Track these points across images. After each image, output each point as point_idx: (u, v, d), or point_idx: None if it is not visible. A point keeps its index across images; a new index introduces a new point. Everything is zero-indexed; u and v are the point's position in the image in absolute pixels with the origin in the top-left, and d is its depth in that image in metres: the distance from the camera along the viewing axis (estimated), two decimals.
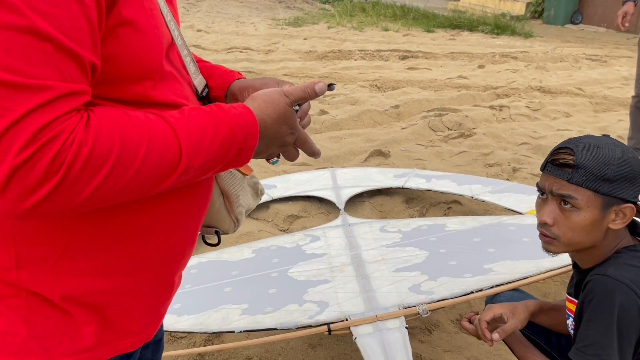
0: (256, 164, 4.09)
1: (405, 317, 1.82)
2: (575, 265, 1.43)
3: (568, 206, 1.26)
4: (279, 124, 0.88)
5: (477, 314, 1.55)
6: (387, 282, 2.04)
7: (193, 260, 2.43)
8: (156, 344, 1.11)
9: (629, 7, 3.94)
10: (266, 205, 3.40)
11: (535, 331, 1.60)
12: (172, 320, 1.95)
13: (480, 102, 6.05)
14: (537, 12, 13.41)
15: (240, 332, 1.85)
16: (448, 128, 5.10)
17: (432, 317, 2.40)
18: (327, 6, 14.76)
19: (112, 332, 0.87)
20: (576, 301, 1.36)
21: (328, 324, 1.82)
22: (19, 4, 0.62)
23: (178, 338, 2.29)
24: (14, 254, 0.79)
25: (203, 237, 1.20)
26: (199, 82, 0.97)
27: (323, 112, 5.49)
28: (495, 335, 1.43)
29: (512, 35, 11.17)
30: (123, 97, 0.78)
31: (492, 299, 1.76)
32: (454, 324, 2.39)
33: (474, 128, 5.11)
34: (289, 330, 1.84)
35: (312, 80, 0.98)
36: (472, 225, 2.50)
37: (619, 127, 5.23)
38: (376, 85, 6.66)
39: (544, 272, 1.99)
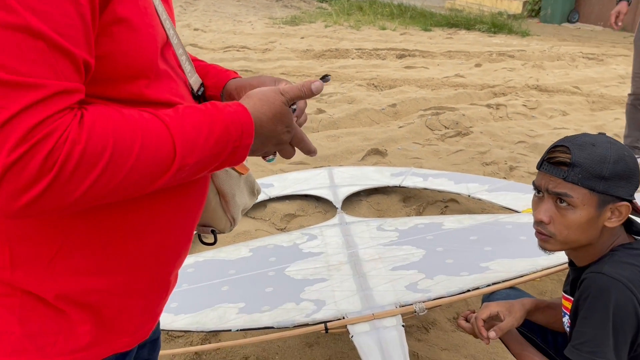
0: (254, 163, 4.08)
1: (402, 315, 1.83)
2: (571, 263, 1.43)
3: (564, 204, 1.26)
4: (274, 122, 0.88)
5: (474, 312, 1.55)
6: (384, 281, 2.04)
7: (190, 259, 2.43)
8: (153, 343, 1.11)
9: (622, 6, 3.95)
10: (263, 204, 3.40)
11: (532, 329, 1.60)
12: (169, 319, 1.95)
13: (477, 101, 6.06)
14: (534, 11, 13.43)
15: (237, 330, 1.85)
16: (445, 127, 5.11)
17: (429, 315, 2.40)
18: (324, 5, 14.75)
19: (107, 331, 0.87)
20: (572, 299, 1.36)
21: (325, 322, 1.82)
22: (12, 2, 0.62)
23: (175, 337, 2.29)
24: (8, 253, 0.79)
25: (199, 236, 1.20)
26: (194, 81, 0.97)
27: (320, 111, 5.49)
28: (492, 334, 1.43)
29: (509, 33, 11.19)
30: (118, 95, 0.78)
31: (488, 297, 1.77)
32: (451, 322, 2.39)
33: (471, 127, 5.11)
34: (285, 328, 1.84)
35: (309, 79, 0.98)
36: (469, 223, 2.51)
37: (615, 125, 5.24)
38: (373, 84, 6.66)
39: (540, 270, 2.00)
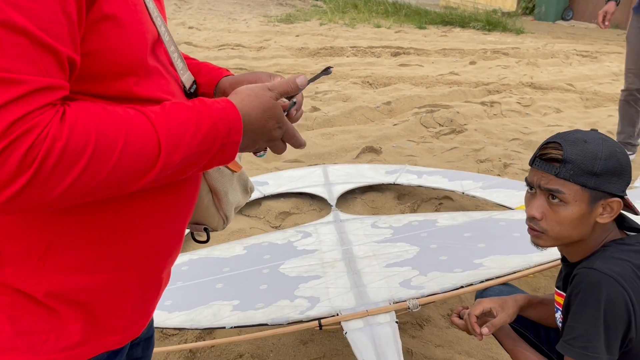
0: (249, 161, 4.08)
1: (396, 311, 1.83)
2: (564, 259, 1.44)
3: (556, 200, 1.27)
4: (264, 118, 0.87)
5: (467, 309, 1.56)
6: (378, 278, 2.04)
7: (184, 257, 2.43)
8: (146, 341, 1.11)
9: (610, 6, 3.97)
10: (258, 202, 3.40)
11: (525, 325, 1.61)
12: (163, 317, 1.95)
13: (471, 98, 6.08)
14: (528, 9, 13.46)
15: (232, 328, 1.85)
16: (439, 124, 5.12)
17: (424, 312, 2.41)
18: (319, 3, 14.74)
19: (98, 329, 0.86)
20: (565, 294, 1.37)
21: (319, 319, 1.82)
22: None
23: (169, 335, 2.29)
24: None
25: (192, 235, 1.20)
26: (186, 78, 0.97)
27: (315, 109, 5.49)
28: (485, 330, 1.44)
29: (503, 31, 11.21)
30: (106, 93, 0.77)
31: (482, 294, 1.77)
32: (445, 319, 2.40)
33: (465, 124, 5.12)
34: (280, 325, 1.84)
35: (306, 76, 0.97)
36: (463, 220, 2.51)
37: (608, 122, 5.27)
38: (368, 82, 6.67)
39: (533, 267, 2.01)
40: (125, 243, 0.85)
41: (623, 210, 1.32)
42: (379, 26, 11.22)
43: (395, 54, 8.42)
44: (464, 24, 11.65)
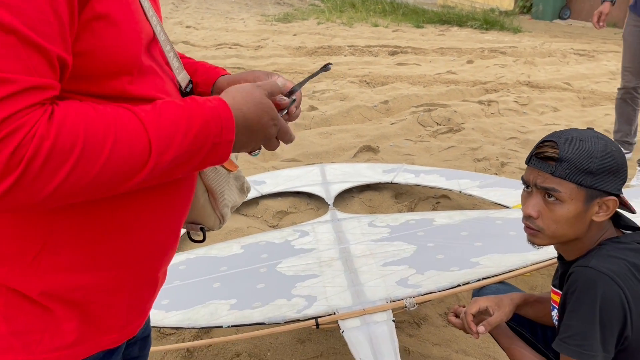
0: (246, 160, 4.08)
1: (393, 310, 1.83)
2: (560, 257, 1.44)
3: (552, 199, 1.27)
4: (258, 113, 0.86)
5: (464, 307, 1.56)
6: (375, 276, 2.05)
7: (181, 256, 2.43)
8: (143, 340, 1.11)
9: (605, 7, 3.98)
10: (255, 201, 3.40)
11: (521, 323, 1.61)
12: (160, 316, 1.95)
13: (468, 97, 6.08)
14: (525, 8, 13.48)
15: (229, 327, 1.85)
16: (437, 123, 5.12)
17: (421, 311, 2.41)
18: (316, 2, 14.74)
19: (94, 328, 0.86)
20: (561, 293, 1.37)
21: (316, 318, 1.82)
22: None
23: (167, 334, 2.29)
24: None
25: (189, 234, 1.20)
26: (182, 77, 0.97)
27: (312, 108, 5.49)
28: (481, 328, 1.44)
29: (500, 30, 11.22)
30: (100, 92, 0.77)
31: (478, 292, 1.77)
32: (442, 317, 2.40)
33: (462, 123, 5.13)
34: (277, 324, 1.84)
35: (302, 76, 0.97)
36: (460, 219, 2.52)
37: (605, 121, 5.27)
38: (365, 81, 6.67)
39: (529, 265, 2.01)
40: (120, 242, 0.84)
41: (619, 208, 1.32)
42: (376, 25, 11.22)
43: (393, 53, 8.42)
44: (462, 23, 11.66)
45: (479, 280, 1.91)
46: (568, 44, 9.66)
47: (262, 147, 0.94)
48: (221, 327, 1.85)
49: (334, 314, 1.83)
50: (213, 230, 1.18)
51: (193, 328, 1.89)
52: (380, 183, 3.45)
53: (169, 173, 0.78)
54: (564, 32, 11.17)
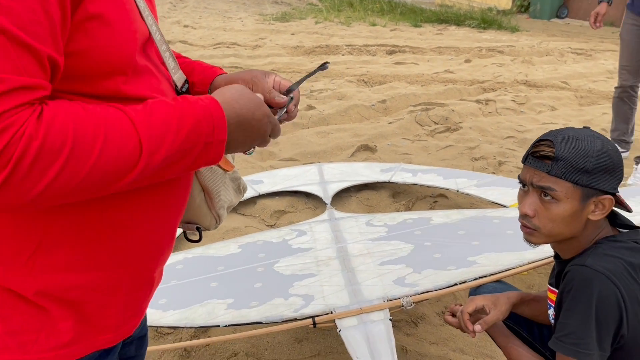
0: (243, 160, 4.08)
1: (390, 309, 1.83)
2: (556, 255, 1.44)
3: (548, 198, 1.27)
4: (252, 110, 0.86)
5: (461, 306, 1.56)
6: (372, 275, 2.05)
7: (179, 256, 2.43)
8: (140, 340, 1.11)
9: (602, 7, 3.98)
10: (253, 200, 3.40)
11: (518, 322, 1.61)
12: (158, 316, 1.95)
13: (466, 97, 6.08)
14: (523, 7, 13.49)
15: (226, 326, 1.85)
16: (435, 122, 5.12)
17: (418, 310, 2.41)
18: (314, 1, 14.73)
19: (89, 327, 0.86)
20: (557, 291, 1.37)
21: (313, 317, 1.82)
22: None
23: (164, 334, 2.29)
24: None
25: (185, 234, 1.20)
26: (178, 77, 0.96)
27: (310, 107, 5.48)
28: (477, 327, 1.44)
29: (498, 29, 11.23)
30: (94, 92, 0.77)
31: (475, 291, 1.78)
32: (439, 316, 2.41)
33: (460, 122, 5.13)
34: (274, 323, 1.84)
35: (300, 75, 0.97)
36: (457, 218, 2.52)
37: (603, 120, 5.28)
38: (363, 80, 6.67)
39: (526, 264, 2.01)
40: (116, 242, 0.84)
41: (615, 207, 1.32)
42: (374, 24, 11.22)
43: (391, 52, 8.42)
44: (460, 22, 11.67)
45: (476, 279, 1.92)
46: (565, 43, 9.67)
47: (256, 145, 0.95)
48: (218, 326, 1.85)
49: (331, 313, 1.83)
50: (209, 230, 1.18)
51: (190, 327, 1.89)
52: (377, 182, 3.45)
53: (160, 173, 0.78)
54: (561, 31, 11.19)
